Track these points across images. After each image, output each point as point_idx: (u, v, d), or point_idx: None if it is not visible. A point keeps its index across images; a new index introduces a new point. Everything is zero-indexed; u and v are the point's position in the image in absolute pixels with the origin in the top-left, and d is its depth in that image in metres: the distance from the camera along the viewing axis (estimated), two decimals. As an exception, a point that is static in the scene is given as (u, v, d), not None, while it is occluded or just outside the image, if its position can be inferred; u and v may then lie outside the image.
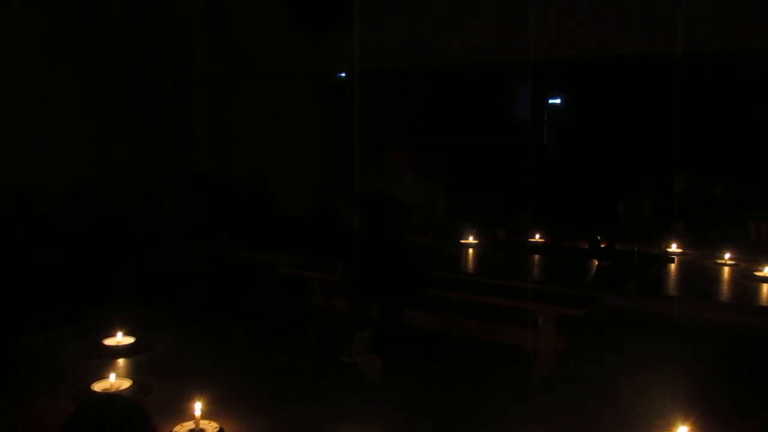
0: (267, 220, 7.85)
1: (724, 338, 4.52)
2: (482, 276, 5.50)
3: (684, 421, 2.97)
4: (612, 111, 7.78)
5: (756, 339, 4.57)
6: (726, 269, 5.98)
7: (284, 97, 8.25)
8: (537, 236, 6.97)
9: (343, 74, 8.49)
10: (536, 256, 6.51)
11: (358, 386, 3.74)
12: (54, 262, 6.19)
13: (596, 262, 5.97)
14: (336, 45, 7.42)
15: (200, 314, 5.17)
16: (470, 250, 6.83)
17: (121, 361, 4.08)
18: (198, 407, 3.08)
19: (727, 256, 6.11)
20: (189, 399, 3.15)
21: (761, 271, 5.53)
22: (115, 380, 3.54)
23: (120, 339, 4.26)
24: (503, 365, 4.12)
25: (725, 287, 5.59)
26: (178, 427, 3.06)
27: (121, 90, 7.77)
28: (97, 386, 3.49)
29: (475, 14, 6.80)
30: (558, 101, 9.16)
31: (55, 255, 6.30)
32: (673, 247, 6.41)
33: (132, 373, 3.83)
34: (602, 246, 6.03)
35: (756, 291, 5.28)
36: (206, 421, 3.11)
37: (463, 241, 6.95)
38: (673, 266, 6.06)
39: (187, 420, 3.10)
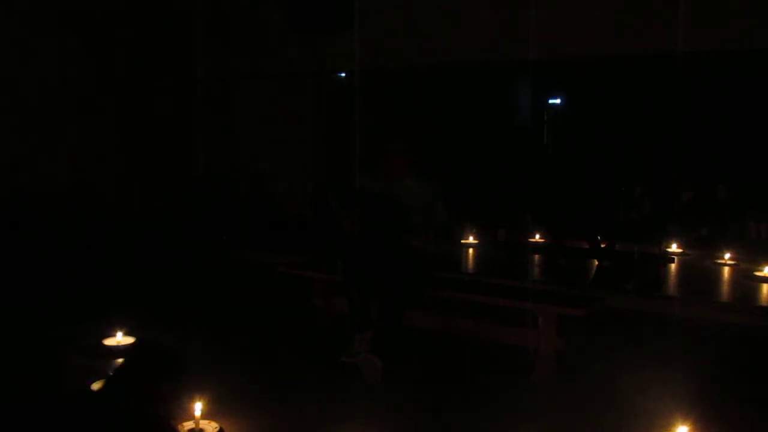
0: (267, 220, 7.85)
1: (724, 338, 4.52)
2: (482, 276, 5.51)
3: (684, 421, 2.97)
4: (612, 111, 7.78)
5: (756, 339, 4.58)
6: (726, 269, 5.98)
7: (284, 97, 8.25)
8: (537, 236, 6.98)
9: (343, 74, 8.50)
10: (536, 256, 6.51)
11: (358, 386, 3.74)
12: (54, 260, 6.19)
13: (596, 262, 5.98)
14: (335, 45, 7.43)
15: (200, 314, 5.17)
16: (470, 250, 6.83)
17: (121, 361, 4.07)
18: (198, 407, 3.07)
19: (727, 256, 6.11)
20: (189, 399, 3.15)
21: (761, 271, 5.53)
22: (115, 380, 3.52)
23: (120, 339, 4.25)
24: (503, 365, 4.11)
25: (725, 287, 5.59)
26: (178, 427, 3.06)
27: (121, 90, 7.77)
28: (97, 386, 3.48)
29: (475, 14, 6.80)
30: (558, 101, 9.16)
31: (54, 255, 6.30)
32: (673, 247, 6.41)
33: (132, 373, 3.82)
34: (602, 246, 6.04)
35: (756, 291, 5.29)
36: (206, 421, 3.11)
37: (463, 241, 6.95)
38: (673, 266, 6.06)
39: (187, 420, 3.10)
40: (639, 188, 7.08)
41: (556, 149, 9.22)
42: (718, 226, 6.83)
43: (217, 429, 3.08)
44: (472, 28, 6.81)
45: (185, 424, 3.09)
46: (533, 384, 3.87)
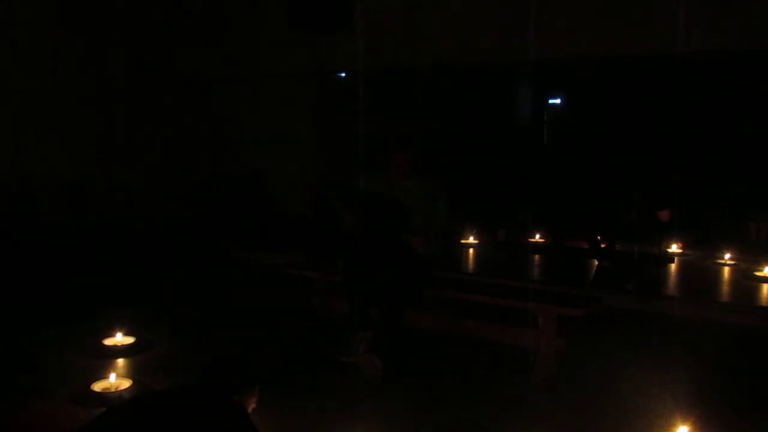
0: (267, 220, 7.85)
1: (724, 338, 4.52)
2: (482, 276, 5.50)
3: (684, 421, 2.97)
4: (612, 111, 7.78)
5: (756, 339, 4.57)
6: (726, 269, 5.98)
7: (285, 97, 8.25)
8: (537, 236, 6.97)
9: (343, 74, 8.49)
10: (536, 256, 6.50)
11: (358, 386, 3.74)
12: (54, 260, 6.19)
13: (596, 262, 5.97)
14: (335, 45, 7.43)
15: (200, 314, 5.17)
16: (470, 250, 6.83)
17: (121, 361, 4.08)
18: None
19: (727, 256, 6.11)
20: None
21: (761, 271, 5.53)
22: (115, 380, 3.53)
23: (120, 339, 4.25)
24: (503, 365, 4.11)
25: (725, 287, 5.58)
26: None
27: (121, 90, 7.77)
28: (97, 386, 3.48)
29: (475, 14, 6.80)
30: (558, 101, 9.15)
31: (55, 255, 6.30)
32: (673, 247, 6.41)
33: (132, 373, 3.83)
34: (602, 246, 6.03)
35: (756, 291, 5.28)
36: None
37: (463, 241, 6.95)
38: (673, 266, 6.05)
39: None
40: (639, 188, 7.06)
41: (556, 149, 9.21)
42: (718, 225, 6.83)
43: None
44: (472, 28, 6.81)
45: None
46: (533, 384, 3.87)
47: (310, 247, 6.34)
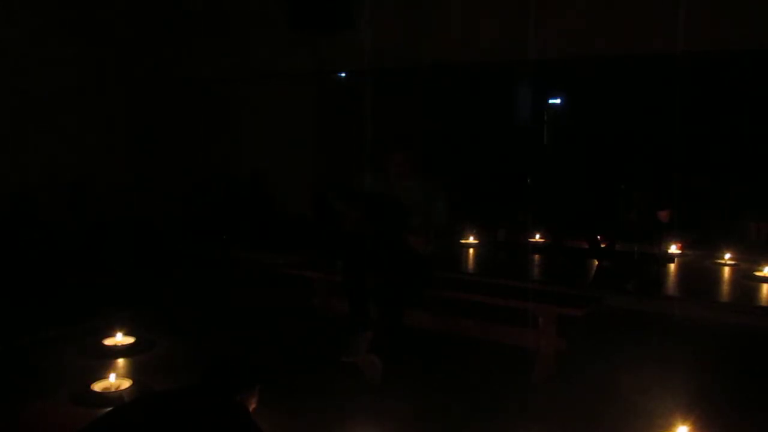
0: (267, 220, 7.86)
1: (724, 338, 4.53)
2: (482, 276, 5.51)
3: (684, 421, 2.97)
4: (612, 111, 7.78)
5: (756, 339, 4.58)
6: (726, 269, 5.98)
7: (285, 97, 8.25)
8: (537, 236, 6.98)
9: (343, 74, 8.49)
10: (536, 256, 6.51)
11: (358, 386, 3.74)
12: (54, 260, 6.19)
13: (596, 262, 5.97)
14: (335, 45, 7.43)
15: (200, 314, 5.17)
16: (470, 250, 6.83)
17: (121, 361, 4.08)
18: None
19: (727, 256, 6.12)
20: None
21: (761, 271, 5.53)
22: (115, 380, 3.53)
23: (120, 339, 4.25)
24: (503, 365, 4.11)
25: (725, 287, 5.59)
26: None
27: (121, 90, 7.77)
28: (97, 386, 3.48)
29: (475, 14, 6.81)
30: (558, 101, 9.15)
31: (54, 255, 6.31)
32: (673, 248, 6.41)
33: (132, 373, 3.83)
34: (602, 246, 6.03)
35: (756, 291, 5.29)
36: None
37: (463, 241, 6.95)
38: (673, 266, 6.06)
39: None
40: (639, 188, 7.07)
41: (556, 149, 9.22)
42: (718, 225, 6.83)
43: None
44: (472, 28, 6.81)
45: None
46: (533, 384, 3.87)
47: (310, 247, 6.35)
